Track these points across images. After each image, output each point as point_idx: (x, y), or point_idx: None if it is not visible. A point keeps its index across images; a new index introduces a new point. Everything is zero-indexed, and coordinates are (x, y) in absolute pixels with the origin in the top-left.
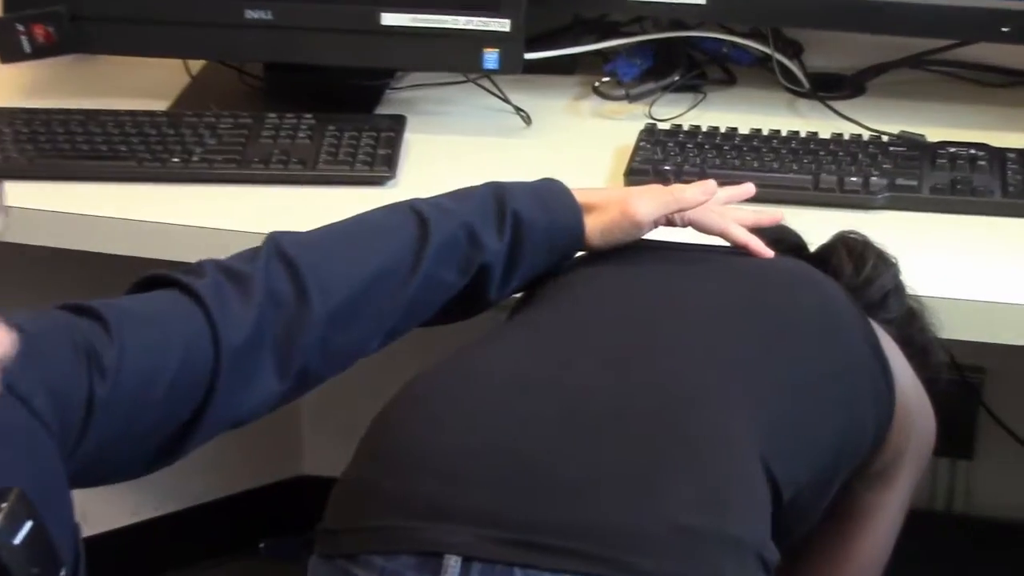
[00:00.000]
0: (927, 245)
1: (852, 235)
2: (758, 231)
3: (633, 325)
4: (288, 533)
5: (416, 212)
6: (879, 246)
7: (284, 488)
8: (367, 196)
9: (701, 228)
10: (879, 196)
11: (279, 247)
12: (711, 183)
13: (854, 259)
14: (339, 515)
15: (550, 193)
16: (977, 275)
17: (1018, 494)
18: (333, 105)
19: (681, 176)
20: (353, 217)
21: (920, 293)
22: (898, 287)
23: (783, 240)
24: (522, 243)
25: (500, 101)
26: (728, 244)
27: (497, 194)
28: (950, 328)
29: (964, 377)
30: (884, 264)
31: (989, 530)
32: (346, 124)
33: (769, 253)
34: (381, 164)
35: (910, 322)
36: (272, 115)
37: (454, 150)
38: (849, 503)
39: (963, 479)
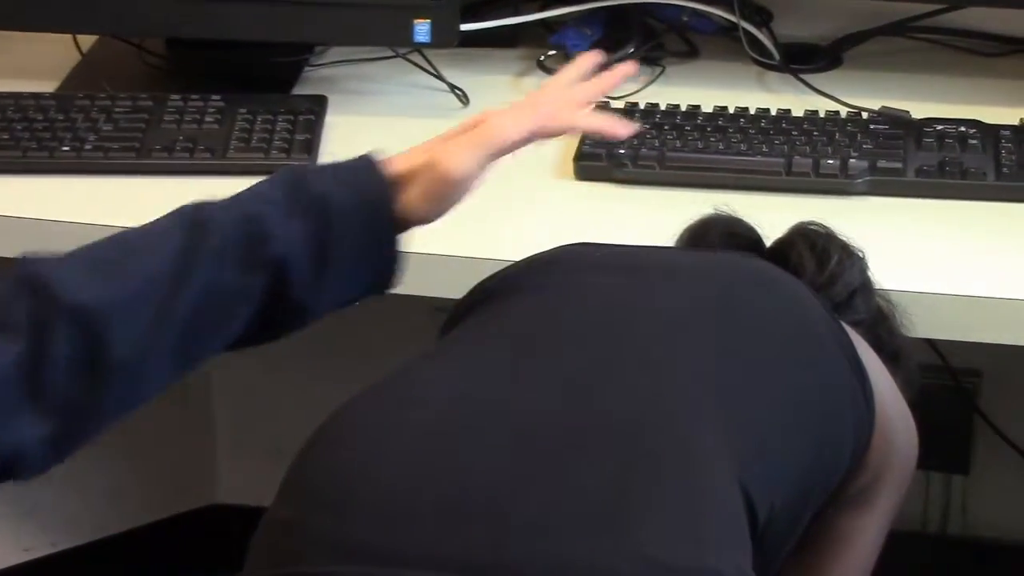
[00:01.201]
0: (913, 234)
1: (813, 226)
2: (708, 230)
3: (591, 338)
4: (202, 569)
5: (192, 211)
6: (844, 238)
7: (197, 518)
8: None
9: (544, 137)
10: (859, 180)
11: (21, 267)
12: (537, 98)
13: (816, 254)
14: (261, 562)
15: (354, 169)
16: (970, 267)
17: (1019, 512)
18: (244, 85)
19: (637, 162)
20: (119, 232)
21: (906, 288)
22: (865, 284)
23: (737, 234)
24: (329, 230)
25: (433, 78)
26: (698, 248)
27: (294, 177)
28: (940, 327)
29: (957, 382)
30: (850, 259)
31: (988, 552)
32: (259, 106)
33: (627, 129)
34: (300, 151)
35: (880, 323)
36: (175, 97)
37: (382, 134)
38: (824, 528)
39: (958, 496)
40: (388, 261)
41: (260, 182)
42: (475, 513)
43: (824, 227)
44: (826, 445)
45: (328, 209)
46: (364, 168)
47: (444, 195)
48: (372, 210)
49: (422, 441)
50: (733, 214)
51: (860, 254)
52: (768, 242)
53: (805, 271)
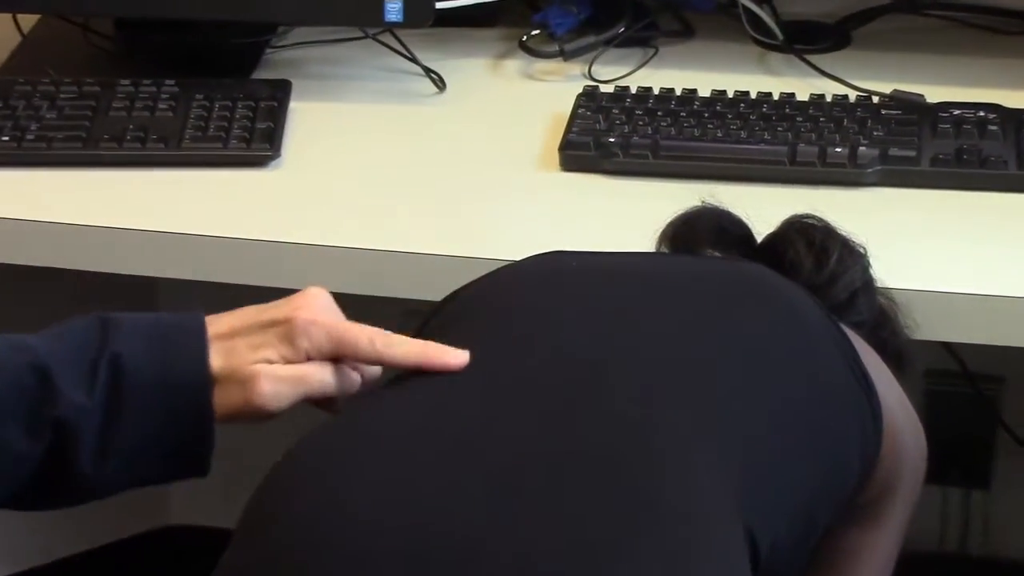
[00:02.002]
0: (927, 228)
1: (809, 220)
2: (694, 225)
3: (572, 359)
4: None
5: None
6: (844, 233)
7: (149, 541)
8: (245, 180)
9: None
10: (869, 170)
11: None
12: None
13: (814, 252)
14: None
15: (176, 334)
16: (990, 264)
17: None
18: (200, 69)
19: (628, 151)
20: None
21: (921, 288)
22: (868, 283)
23: (725, 230)
24: (122, 399)
25: (406, 61)
26: (671, 252)
27: (101, 330)
28: (959, 330)
29: (977, 389)
30: (851, 256)
31: (1010, 573)
32: (217, 92)
33: (459, 358)
34: (261, 140)
35: (882, 324)
36: (125, 82)
37: (351, 122)
38: (832, 546)
39: (979, 513)
40: (195, 443)
41: (64, 324)
42: (446, 561)
43: (821, 220)
44: (832, 465)
45: (122, 373)
46: (182, 334)
47: (245, 417)
48: (176, 382)
49: (388, 481)
50: (721, 206)
51: (862, 250)
52: (760, 236)
53: (801, 270)
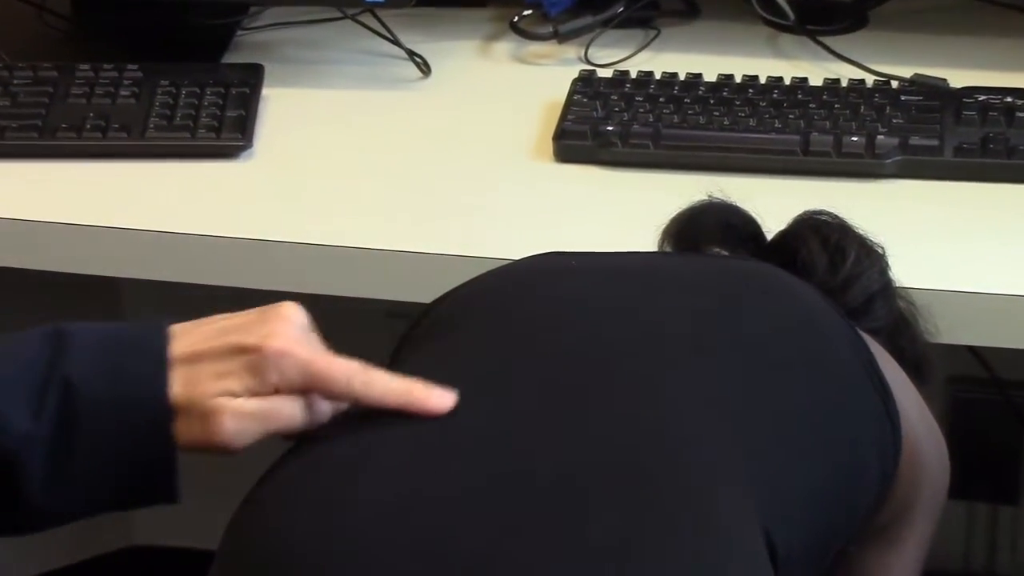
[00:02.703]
0: (951, 224)
1: (824, 217)
2: (699, 221)
3: (574, 362)
4: None
5: None
6: (861, 231)
7: (112, 562)
8: (214, 172)
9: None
10: (888, 160)
11: None
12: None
13: (829, 252)
14: None
15: (133, 356)
16: (1018, 262)
17: None
18: (166, 52)
19: (627, 140)
20: None
21: (943, 287)
22: (886, 286)
23: (733, 226)
24: (75, 426)
25: (388, 43)
26: (676, 252)
27: (53, 347)
28: (984, 333)
29: (1005, 396)
30: (868, 257)
31: None
32: (184, 77)
33: (444, 402)
34: (232, 130)
35: (901, 330)
36: (84, 66)
37: (328, 110)
38: (849, 568)
39: (1007, 530)
40: (158, 471)
41: (12, 337)
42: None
43: (837, 217)
44: (848, 469)
45: (74, 397)
46: (141, 356)
47: (204, 449)
48: (133, 409)
49: (393, 494)
50: (728, 201)
51: (880, 250)
52: (771, 233)
53: (815, 271)
